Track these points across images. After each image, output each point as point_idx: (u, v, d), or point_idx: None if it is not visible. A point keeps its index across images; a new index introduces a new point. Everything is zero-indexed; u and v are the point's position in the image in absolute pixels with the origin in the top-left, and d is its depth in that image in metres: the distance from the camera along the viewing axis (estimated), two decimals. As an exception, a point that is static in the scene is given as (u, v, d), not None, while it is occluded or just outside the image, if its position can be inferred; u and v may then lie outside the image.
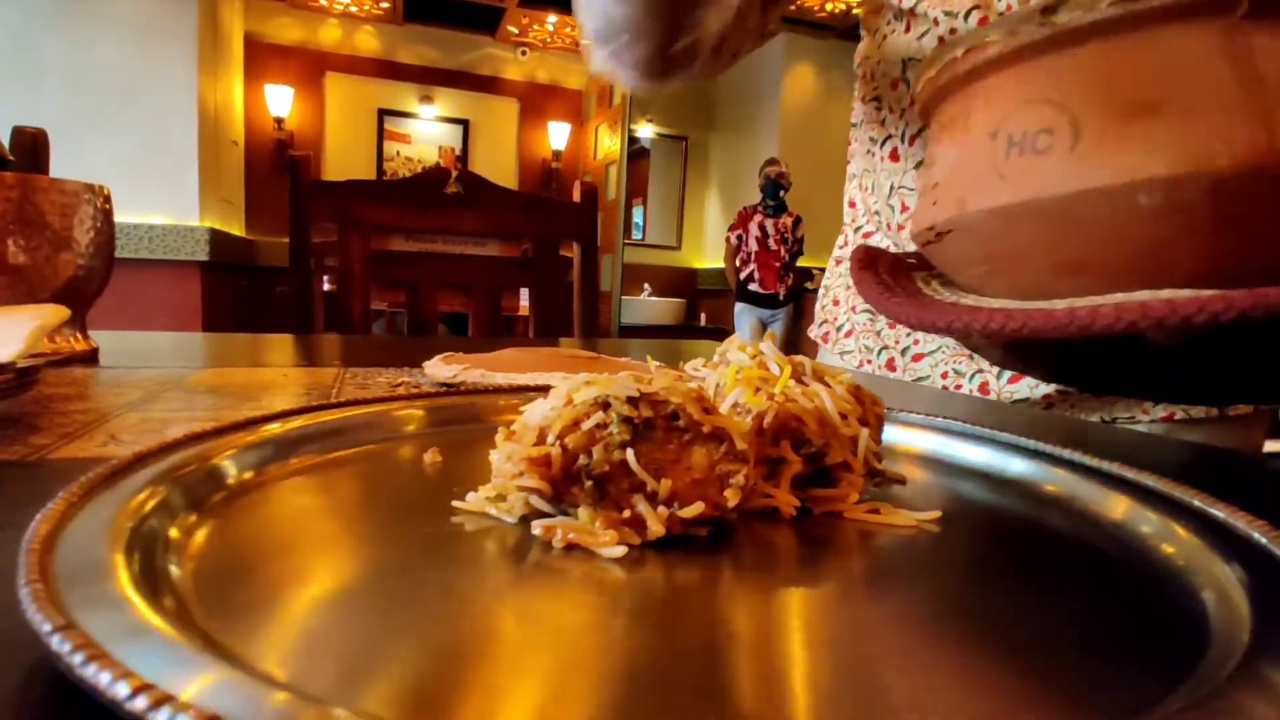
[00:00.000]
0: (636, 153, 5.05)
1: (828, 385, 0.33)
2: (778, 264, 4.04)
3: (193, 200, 3.53)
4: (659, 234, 5.52)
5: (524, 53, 4.89)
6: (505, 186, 1.50)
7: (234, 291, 4.08)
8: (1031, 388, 0.63)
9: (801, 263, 4.25)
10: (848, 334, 0.78)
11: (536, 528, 0.26)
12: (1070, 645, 0.19)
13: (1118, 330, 0.24)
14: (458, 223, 1.44)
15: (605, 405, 0.28)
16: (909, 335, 0.71)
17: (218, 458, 0.29)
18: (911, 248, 0.69)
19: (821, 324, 0.83)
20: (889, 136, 0.68)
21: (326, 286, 2.32)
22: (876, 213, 0.73)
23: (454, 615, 0.20)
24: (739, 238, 4.07)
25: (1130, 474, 0.30)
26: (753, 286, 4.08)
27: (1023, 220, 0.30)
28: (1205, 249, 0.26)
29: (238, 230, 4.26)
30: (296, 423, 0.34)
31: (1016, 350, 0.35)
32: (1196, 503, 0.27)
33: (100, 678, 0.13)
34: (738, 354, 0.36)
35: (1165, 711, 0.14)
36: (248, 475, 0.30)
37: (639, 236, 5.41)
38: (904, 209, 0.68)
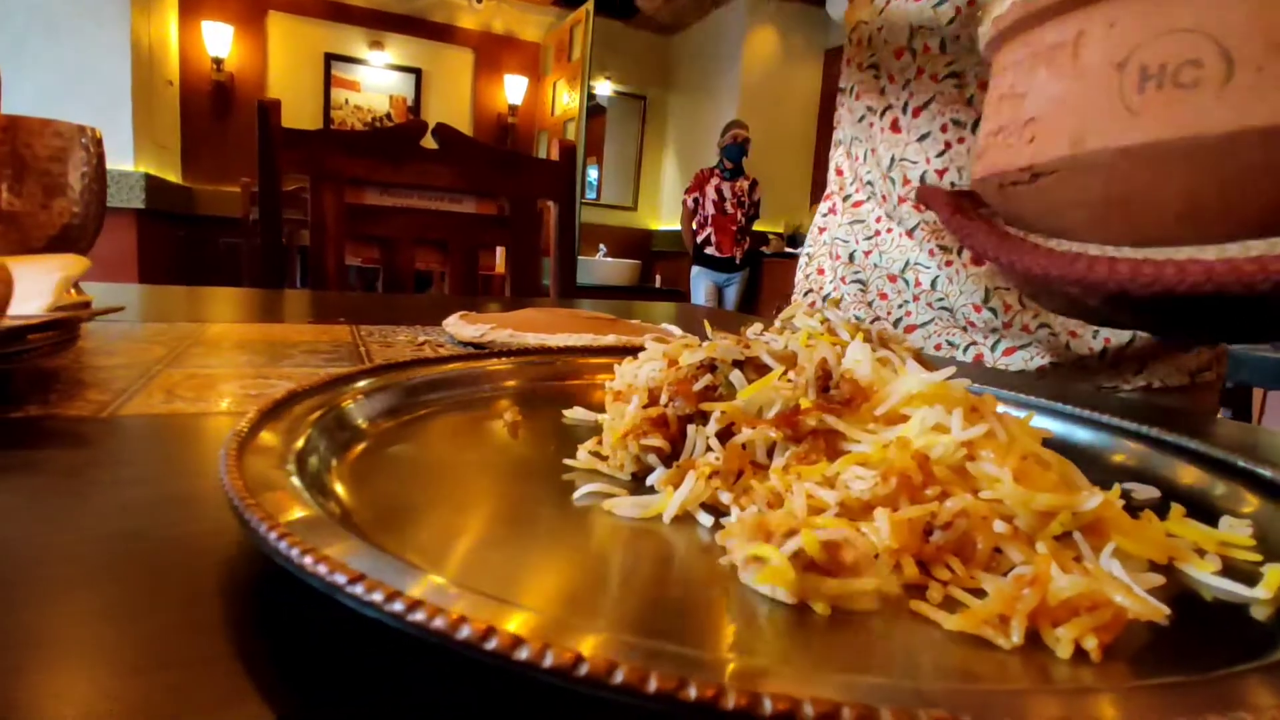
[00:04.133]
0: (593, 109, 4.96)
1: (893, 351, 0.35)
2: (734, 228, 4.06)
3: (126, 143, 3.34)
4: (614, 194, 5.47)
5: (479, 0, 4.72)
6: (483, 142, 1.47)
7: (171, 242, 3.89)
8: (1026, 361, 0.66)
9: (758, 226, 4.28)
10: (834, 302, 0.79)
11: (656, 482, 0.27)
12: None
13: (1261, 289, 0.24)
14: (434, 178, 1.41)
15: (711, 368, 0.30)
16: (901, 306, 0.73)
17: (345, 404, 0.30)
18: (910, 221, 0.71)
19: (806, 293, 0.83)
20: (889, 107, 0.68)
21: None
22: (869, 182, 0.73)
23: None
24: (695, 201, 4.08)
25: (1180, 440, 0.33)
26: (709, 250, 4.10)
27: (1161, 161, 0.28)
28: None
29: (173, 177, 4.04)
30: (400, 376, 0.36)
31: (1131, 305, 0.32)
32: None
33: (305, 561, 0.14)
34: (806, 319, 0.37)
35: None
36: (373, 423, 0.31)
37: (593, 196, 5.36)
38: (905, 182, 0.69)
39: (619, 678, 0.12)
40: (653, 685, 0.12)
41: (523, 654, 0.12)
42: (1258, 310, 0.29)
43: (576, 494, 0.26)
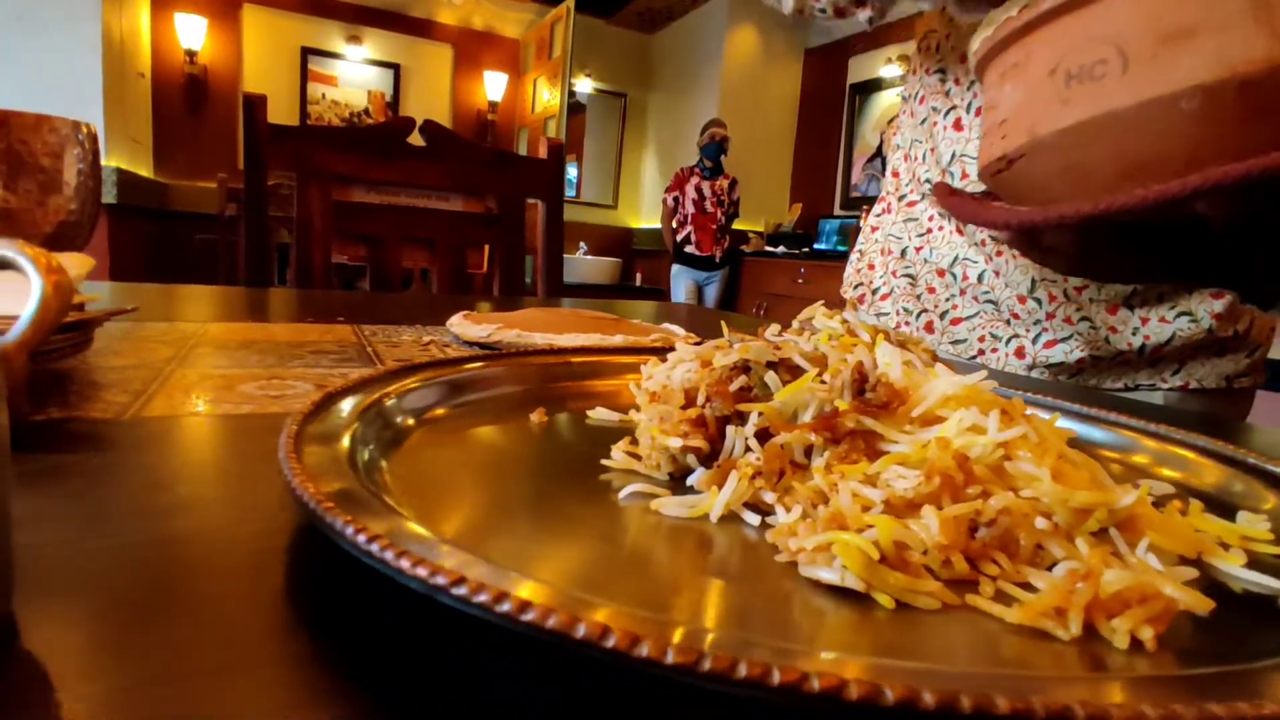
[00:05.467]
0: (572, 107, 4.95)
1: (912, 353, 0.36)
2: (714, 226, 4.08)
3: (97, 137, 3.27)
4: (594, 192, 5.46)
5: (459, -5, 4.69)
6: (470, 140, 1.46)
7: (143, 238, 3.82)
8: (1066, 353, 0.68)
9: (738, 225, 4.31)
10: (884, 297, 0.82)
11: (696, 482, 0.28)
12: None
13: (1181, 194, 0.32)
14: (422, 176, 1.40)
15: (745, 369, 0.31)
16: (948, 300, 0.75)
17: (385, 403, 0.31)
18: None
19: (856, 286, 0.86)
20: (953, 107, 0.72)
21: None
22: (927, 181, 0.76)
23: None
24: (675, 199, 4.09)
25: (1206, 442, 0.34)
26: (689, 249, 4.11)
27: (1091, 133, 0.36)
28: (1238, 141, 0.32)
29: (145, 171, 3.96)
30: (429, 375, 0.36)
31: (1092, 243, 0.41)
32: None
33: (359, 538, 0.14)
34: (825, 320, 0.38)
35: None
36: (405, 426, 0.31)
37: (572, 194, 5.35)
38: (964, 176, 0.71)
39: (742, 671, 0.12)
40: (776, 678, 0.13)
41: (643, 650, 0.13)
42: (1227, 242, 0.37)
43: (622, 494, 0.26)
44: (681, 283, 4.20)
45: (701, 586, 0.21)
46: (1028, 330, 0.70)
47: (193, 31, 4.10)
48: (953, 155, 0.71)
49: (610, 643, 0.13)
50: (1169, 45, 0.34)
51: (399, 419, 0.31)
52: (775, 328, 0.42)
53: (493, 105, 4.93)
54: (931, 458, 0.24)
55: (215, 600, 0.19)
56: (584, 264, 4.98)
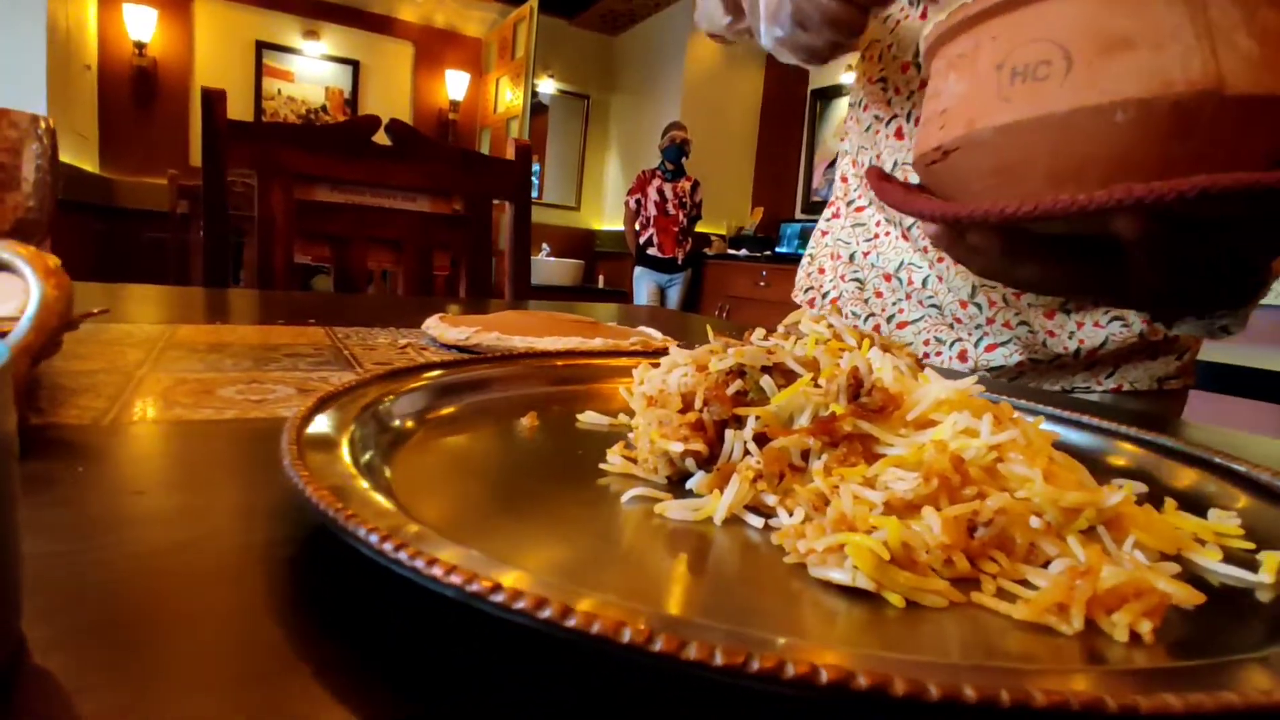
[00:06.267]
0: (535, 108, 4.92)
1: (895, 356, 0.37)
2: (676, 229, 4.10)
3: (55, 131, 3.14)
4: (557, 193, 5.44)
5: (419, -7, 4.63)
6: (437, 140, 1.45)
7: (89, 236, 3.69)
8: (1006, 356, 0.70)
9: (700, 228, 4.34)
10: (833, 301, 0.83)
11: (696, 485, 0.28)
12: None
13: (1104, 205, 0.32)
14: (388, 175, 1.38)
15: (740, 373, 0.31)
16: (895, 304, 0.77)
17: (379, 406, 0.30)
18: (906, 220, 0.75)
19: (807, 290, 0.88)
20: (894, 116, 0.73)
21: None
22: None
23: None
24: (638, 202, 4.10)
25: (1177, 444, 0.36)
26: (651, 251, 4.13)
27: (1026, 134, 0.36)
28: (1164, 157, 0.33)
29: (90, 167, 3.83)
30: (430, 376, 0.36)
31: (1013, 247, 0.42)
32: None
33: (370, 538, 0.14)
34: (812, 325, 0.39)
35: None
36: (400, 431, 0.30)
37: (535, 195, 5.32)
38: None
39: (755, 666, 0.13)
40: (790, 672, 0.13)
41: (692, 653, 0.13)
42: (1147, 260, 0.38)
43: (625, 497, 0.27)
44: (644, 285, 4.21)
45: (712, 587, 0.22)
46: (970, 334, 0.72)
47: (142, 23, 3.97)
48: (895, 163, 0.73)
49: (656, 645, 0.14)
50: (1109, 53, 0.34)
51: (394, 424, 0.31)
52: (760, 332, 0.43)
53: (454, 105, 4.88)
54: (928, 460, 0.25)
55: (225, 610, 0.19)
56: (547, 266, 4.96)
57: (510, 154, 1.47)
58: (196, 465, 0.30)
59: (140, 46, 3.98)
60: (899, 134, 0.72)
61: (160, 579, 0.20)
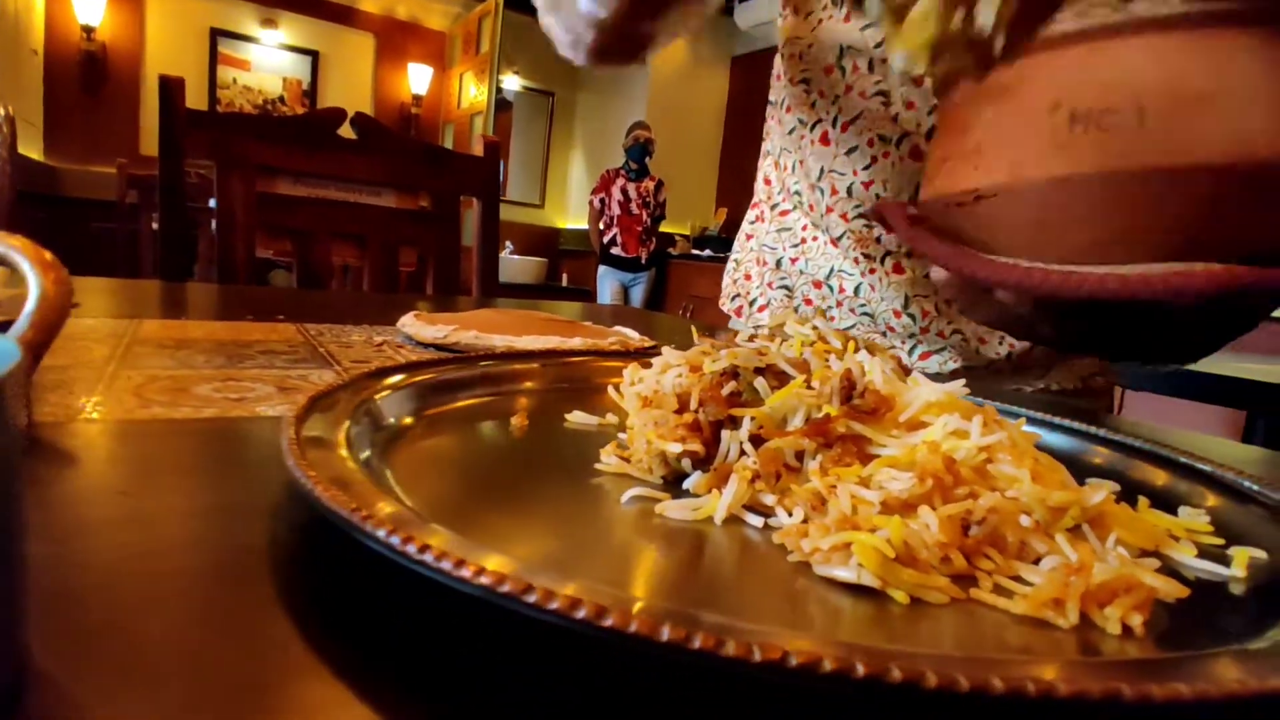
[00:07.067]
0: (499, 104, 4.88)
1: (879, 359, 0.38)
2: (639, 228, 4.11)
3: (14, 120, 3.01)
4: (521, 191, 5.41)
5: (381, -16, 4.55)
6: (403, 134, 1.43)
7: (31, 225, 3.53)
8: (941, 363, 0.71)
9: (664, 228, 4.35)
10: (761, 308, 0.81)
11: (693, 485, 0.28)
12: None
13: (1161, 295, 0.30)
14: (353, 169, 1.35)
15: (734, 375, 0.31)
16: (825, 311, 0.76)
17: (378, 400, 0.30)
18: (836, 230, 0.75)
19: (734, 298, 0.85)
20: (819, 120, 0.71)
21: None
22: (796, 193, 0.76)
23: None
24: (602, 201, 4.10)
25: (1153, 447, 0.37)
26: (615, 250, 4.13)
27: (1083, 189, 0.33)
28: (1239, 224, 0.31)
29: (35, 154, 3.67)
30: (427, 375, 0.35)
31: (1056, 312, 0.38)
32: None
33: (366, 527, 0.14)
34: (797, 328, 0.39)
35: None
36: (390, 430, 0.30)
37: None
38: (834, 192, 0.71)
39: (786, 660, 0.13)
40: (827, 667, 0.13)
41: (738, 650, 0.13)
42: (1159, 326, 0.36)
43: (624, 498, 0.27)
44: (607, 284, 4.21)
45: (716, 584, 0.22)
46: (903, 343, 0.72)
47: (91, 6, 3.83)
48: (821, 170, 0.71)
49: (665, 636, 0.14)
50: (1186, 108, 0.30)
51: (388, 422, 0.31)
52: (745, 333, 0.43)
53: (417, 99, 4.81)
54: (921, 460, 0.25)
55: (225, 610, 0.18)
56: (511, 263, 4.92)
57: (476, 150, 1.46)
58: (181, 464, 0.29)
59: (89, 31, 3.84)
60: (824, 139, 0.70)
61: (161, 579, 0.19)
